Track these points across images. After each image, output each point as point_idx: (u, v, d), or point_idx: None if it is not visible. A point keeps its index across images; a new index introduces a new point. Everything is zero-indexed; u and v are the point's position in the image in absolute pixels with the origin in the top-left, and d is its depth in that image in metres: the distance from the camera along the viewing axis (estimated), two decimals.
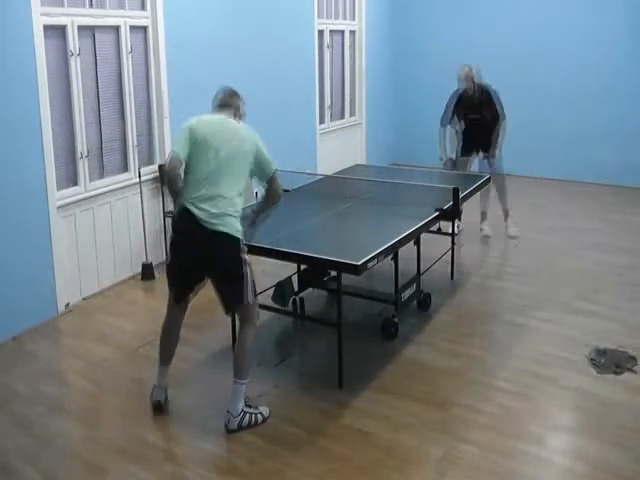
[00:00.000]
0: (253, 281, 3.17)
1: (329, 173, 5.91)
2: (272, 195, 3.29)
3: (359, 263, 3.25)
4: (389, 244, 3.59)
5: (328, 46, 7.84)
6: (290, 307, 4.32)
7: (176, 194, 3.13)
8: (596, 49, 7.90)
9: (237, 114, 3.31)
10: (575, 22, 7.99)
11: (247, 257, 3.14)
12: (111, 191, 5.01)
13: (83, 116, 4.74)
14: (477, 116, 5.83)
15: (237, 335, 3.29)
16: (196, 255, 3.08)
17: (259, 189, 6.08)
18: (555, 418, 3.30)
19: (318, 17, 7.46)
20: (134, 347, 4.05)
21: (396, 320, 4.12)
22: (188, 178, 3.10)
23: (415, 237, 4.08)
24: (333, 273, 4.30)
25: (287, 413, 3.32)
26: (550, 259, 5.53)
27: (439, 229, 4.85)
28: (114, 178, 5.07)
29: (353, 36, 8.42)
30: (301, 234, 3.92)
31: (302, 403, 3.42)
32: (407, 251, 4.17)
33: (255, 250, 3.63)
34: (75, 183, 4.78)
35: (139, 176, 5.12)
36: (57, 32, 4.52)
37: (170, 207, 4.86)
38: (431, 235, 4.79)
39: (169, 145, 5.30)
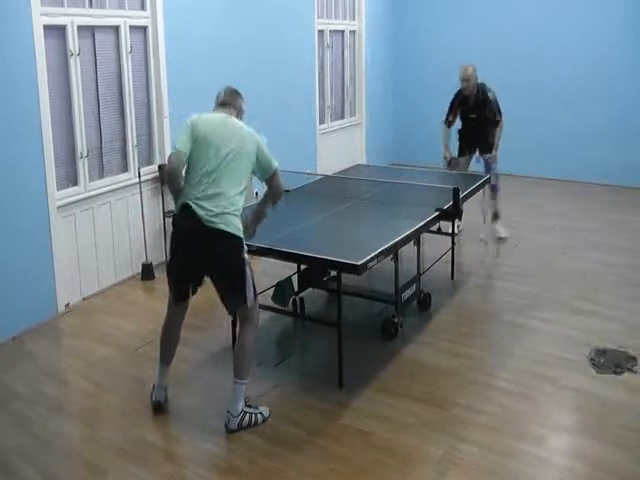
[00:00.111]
0: (254, 282, 3.16)
1: (329, 173, 5.91)
2: (273, 193, 3.28)
3: (359, 263, 3.25)
4: (389, 244, 3.59)
5: (328, 46, 7.84)
6: (290, 307, 4.32)
7: (177, 193, 3.13)
8: (596, 49, 7.90)
9: (239, 114, 3.31)
10: (575, 22, 7.99)
11: (248, 257, 3.14)
12: (111, 191, 5.01)
13: (83, 116, 4.74)
14: (475, 115, 5.83)
15: (237, 335, 3.29)
16: (196, 254, 3.08)
17: (259, 189, 6.09)
18: (555, 418, 3.30)
19: (318, 17, 7.46)
20: (134, 347, 4.05)
21: (396, 320, 4.12)
22: (189, 176, 3.10)
23: (415, 237, 4.08)
24: (333, 273, 4.30)
25: (287, 413, 3.32)
26: (550, 259, 5.53)
27: (439, 229, 4.86)
28: (114, 178, 5.07)
29: (353, 36, 8.43)
30: (301, 234, 3.92)
31: (302, 403, 3.42)
32: (407, 251, 4.17)
33: (255, 250, 3.64)
34: (75, 183, 4.78)
35: (139, 176, 5.12)
36: (57, 32, 4.52)
37: (170, 207, 4.87)
38: (431, 235, 4.80)
39: (169, 145, 5.30)
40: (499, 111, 5.80)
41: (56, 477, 2.92)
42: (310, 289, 4.58)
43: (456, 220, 5.11)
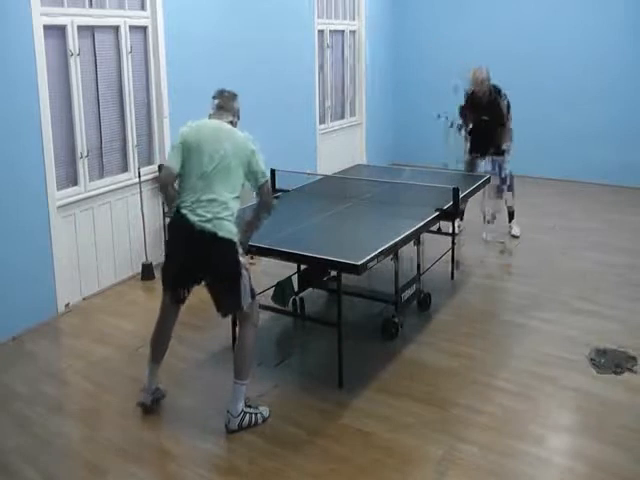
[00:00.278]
0: (251, 283, 3.15)
1: (329, 173, 5.91)
2: (262, 206, 3.24)
3: (359, 263, 3.25)
4: (389, 244, 3.59)
5: (328, 46, 7.84)
6: (290, 307, 4.32)
7: (170, 202, 3.16)
8: (596, 49, 7.90)
9: (234, 116, 3.29)
10: (575, 22, 7.99)
11: (243, 259, 3.12)
12: (111, 191, 5.01)
13: (83, 116, 4.74)
14: (487, 117, 5.83)
15: (237, 335, 3.28)
16: (190, 259, 3.08)
17: None
18: (555, 418, 3.30)
19: (318, 17, 7.46)
20: (134, 347, 4.04)
21: (396, 320, 4.12)
22: (183, 183, 3.11)
23: (415, 237, 4.08)
24: (333, 273, 4.30)
25: (287, 413, 3.32)
26: (550, 259, 5.53)
27: (439, 229, 4.85)
28: (114, 178, 5.07)
29: (353, 36, 8.43)
30: (301, 234, 3.91)
31: (302, 403, 3.42)
32: (407, 251, 4.17)
33: (255, 250, 3.64)
34: (75, 183, 4.78)
35: (139, 176, 5.12)
36: (57, 32, 4.52)
37: None
38: (431, 235, 4.79)
39: (169, 145, 5.29)
40: (508, 112, 5.81)
41: (56, 477, 2.92)
42: (310, 289, 4.58)
43: (457, 220, 5.11)
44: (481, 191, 5.44)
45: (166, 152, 5.19)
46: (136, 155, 5.22)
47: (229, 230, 3.05)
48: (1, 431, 3.22)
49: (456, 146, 6.07)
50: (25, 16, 4.15)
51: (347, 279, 3.61)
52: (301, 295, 4.46)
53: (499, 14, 8.50)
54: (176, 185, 3.15)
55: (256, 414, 3.21)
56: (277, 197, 4.77)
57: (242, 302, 3.09)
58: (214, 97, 3.29)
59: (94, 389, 3.63)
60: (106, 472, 2.91)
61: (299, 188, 4.96)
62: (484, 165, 5.98)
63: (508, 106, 5.80)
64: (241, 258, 3.10)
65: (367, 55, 8.59)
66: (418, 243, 4.30)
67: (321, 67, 7.71)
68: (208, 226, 3.00)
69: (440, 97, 8.33)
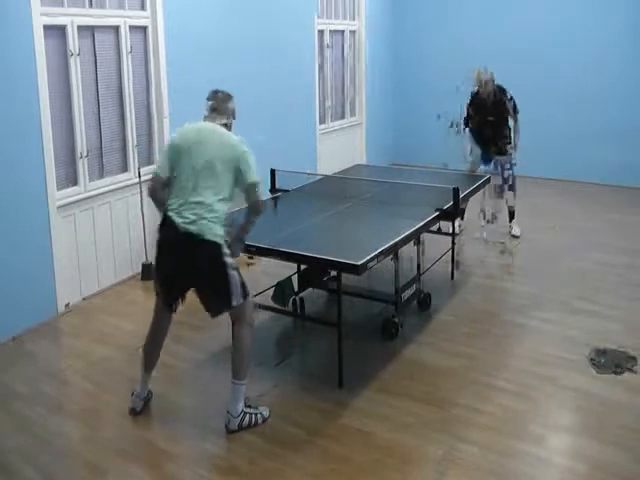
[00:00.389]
0: (242, 282, 3.12)
1: (329, 173, 5.91)
2: (250, 209, 3.18)
3: (359, 263, 3.25)
4: (389, 244, 3.59)
5: (328, 46, 7.84)
6: (290, 307, 4.32)
7: (160, 207, 3.17)
8: (596, 49, 7.90)
9: (229, 118, 3.26)
10: (575, 22, 7.99)
11: (232, 260, 3.09)
12: (111, 191, 5.01)
13: (83, 116, 4.74)
14: (493, 118, 5.83)
15: (233, 336, 3.23)
16: (177, 262, 3.07)
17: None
18: (555, 418, 3.30)
19: (318, 17, 7.46)
20: (134, 347, 4.04)
21: (396, 320, 4.12)
22: (172, 187, 3.12)
23: (415, 237, 4.08)
24: (333, 273, 4.30)
25: (287, 413, 3.32)
26: (550, 259, 5.53)
27: (439, 229, 4.86)
28: (114, 178, 5.07)
29: (353, 36, 8.43)
30: (301, 234, 3.91)
31: (302, 403, 3.42)
32: (407, 251, 4.17)
33: (255, 250, 3.64)
34: (75, 183, 4.78)
35: (139, 176, 5.12)
36: (57, 32, 4.52)
37: None
38: (431, 235, 4.79)
39: None
40: (515, 110, 5.83)
41: (56, 477, 2.92)
42: (310, 289, 4.58)
43: (458, 219, 5.11)
44: (481, 191, 5.44)
45: None
46: (136, 155, 5.22)
47: (214, 232, 3.02)
48: (1, 431, 3.23)
49: (456, 146, 6.07)
50: (25, 16, 4.15)
51: (347, 279, 3.61)
52: (301, 295, 4.46)
53: (499, 14, 8.50)
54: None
55: (256, 414, 3.21)
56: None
57: (232, 301, 3.08)
58: (208, 99, 3.27)
59: (94, 389, 3.63)
60: (106, 472, 2.91)
61: (299, 188, 4.96)
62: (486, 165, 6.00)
63: (515, 106, 5.81)
64: (228, 259, 3.06)
65: (367, 55, 8.60)
66: (418, 243, 4.30)
67: (321, 67, 7.71)
68: (192, 228, 2.99)
69: (440, 97, 8.36)
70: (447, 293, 4.84)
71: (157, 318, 3.30)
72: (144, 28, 5.22)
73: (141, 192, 5.15)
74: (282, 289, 4.07)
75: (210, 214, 3.02)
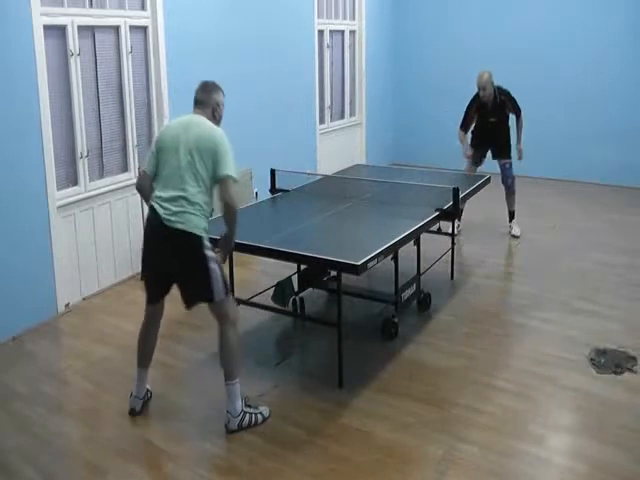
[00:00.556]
0: (224, 278, 3.11)
1: (329, 173, 5.91)
2: (223, 207, 3.06)
3: (359, 263, 3.25)
4: (389, 244, 3.59)
5: (328, 46, 7.84)
6: (290, 307, 4.32)
7: (147, 202, 3.19)
8: (596, 49, 7.91)
9: (215, 110, 3.23)
10: (575, 22, 7.99)
11: (212, 254, 3.08)
12: (111, 191, 5.01)
13: (83, 116, 4.74)
14: (494, 119, 5.85)
15: (218, 336, 3.19)
16: (159, 253, 3.09)
17: (259, 188, 6.10)
18: (555, 418, 3.30)
19: (318, 17, 7.46)
20: (134, 347, 4.03)
21: (396, 320, 4.12)
22: (157, 180, 3.14)
23: (415, 237, 4.08)
24: (333, 273, 4.31)
25: (287, 413, 3.32)
26: (550, 259, 5.53)
27: (439, 229, 4.86)
28: (114, 178, 5.07)
29: (353, 36, 8.43)
30: (301, 234, 3.91)
31: (302, 403, 3.42)
32: (407, 251, 4.17)
33: (255, 250, 3.64)
34: (75, 183, 4.78)
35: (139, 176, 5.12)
36: (57, 32, 4.52)
37: None
38: (431, 235, 4.80)
39: None
40: (517, 106, 5.85)
41: (56, 477, 2.92)
42: (310, 289, 4.58)
43: (456, 220, 5.12)
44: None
45: None
46: (136, 155, 5.22)
47: (194, 224, 3.02)
48: (1, 431, 3.23)
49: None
50: (25, 16, 4.15)
51: (347, 279, 3.61)
52: (301, 295, 4.46)
53: (499, 14, 8.50)
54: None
55: (256, 414, 3.21)
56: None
57: (215, 296, 3.08)
58: (195, 91, 3.26)
59: (94, 389, 3.63)
60: (106, 472, 2.91)
61: (299, 188, 4.96)
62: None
63: (517, 106, 5.82)
64: (208, 252, 3.05)
65: (367, 55, 8.59)
66: (418, 243, 4.30)
67: (321, 67, 7.71)
68: (173, 219, 3.00)
69: (440, 97, 8.36)
70: (447, 293, 4.84)
71: (147, 313, 3.31)
72: (144, 28, 5.22)
73: None
74: (282, 289, 4.07)
75: (191, 206, 3.02)
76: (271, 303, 4.06)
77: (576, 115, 8.12)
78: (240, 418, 3.14)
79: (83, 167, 4.79)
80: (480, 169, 6.05)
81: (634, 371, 3.66)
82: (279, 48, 6.75)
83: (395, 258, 4.03)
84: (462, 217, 6.00)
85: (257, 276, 5.10)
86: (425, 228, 4.12)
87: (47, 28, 4.37)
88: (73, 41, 4.59)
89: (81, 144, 4.75)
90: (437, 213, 4.19)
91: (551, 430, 3.20)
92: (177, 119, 3.26)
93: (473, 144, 6.01)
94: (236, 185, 3.10)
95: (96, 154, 4.94)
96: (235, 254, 3.80)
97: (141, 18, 5.17)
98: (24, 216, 4.28)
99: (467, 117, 5.92)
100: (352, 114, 8.62)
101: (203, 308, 3.84)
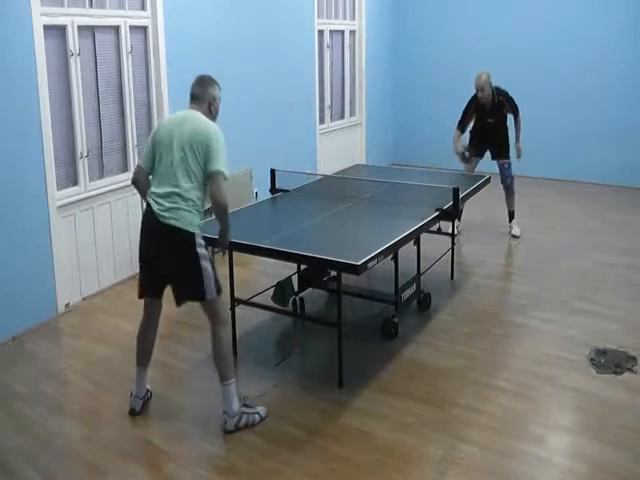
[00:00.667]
0: (216, 277, 3.10)
1: (329, 173, 5.91)
2: (212, 205, 3.07)
3: (359, 263, 3.25)
4: (389, 244, 3.59)
5: (328, 46, 7.84)
6: (290, 307, 4.32)
7: (143, 198, 3.21)
8: (596, 49, 7.91)
9: (211, 104, 3.20)
10: (575, 22, 7.99)
11: (205, 252, 3.07)
12: (111, 191, 5.01)
13: (83, 116, 4.74)
14: (492, 120, 5.85)
15: (211, 337, 3.19)
16: (153, 249, 3.09)
17: (259, 188, 6.10)
18: (555, 418, 3.30)
19: (318, 17, 7.46)
20: (134, 347, 4.03)
21: (396, 320, 4.12)
22: (153, 176, 3.15)
23: (415, 237, 4.08)
24: (333, 273, 4.31)
25: (287, 413, 3.32)
26: (550, 259, 5.53)
27: (439, 229, 4.86)
28: (114, 178, 5.07)
29: (353, 36, 8.43)
30: (301, 234, 3.91)
31: (302, 403, 3.42)
32: (407, 251, 4.17)
33: (255, 250, 3.64)
34: (75, 183, 4.78)
35: None
36: (57, 32, 4.52)
37: None
38: (431, 235, 4.79)
39: None
40: (515, 106, 5.85)
41: (56, 477, 2.92)
42: (310, 289, 4.58)
43: (455, 220, 5.12)
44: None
45: None
46: (136, 155, 5.22)
47: (188, 221, 3.02)
48: (1, 431, 3.23)
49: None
50: (25, 16, 4.15)
51: (347, 279, 3.61)
52: (301, 295, 4.46)
53: (499, 14, 8.50)
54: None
55: (253, 414, 3.21)
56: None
57: (206, 295, 3.07)
58: (191, 86, 3.23)
59: (94, 389, 3.63)
60: (106, 472, 2.91)
61: (299, 188, 4.96)
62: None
63: (515, 106, 5.82)
64: (201, 250, 3.04)
65: (367, 55, 8.59)
66: (418, 243, 4.30)
67: (321, 67, 7.71)
68: (166, 215, 3.00)
69: (440, 97, 8.36)
70: (447, 293, 4.84)
71: (145, 311, 3.31)
72: (144, 28, 5.22)
73: None
74: (282, 289, 4.07)
75: (184, 202, 3.01)
76: (271, 303, 4.06)
77: (576, 115, 8.12)
78: (237, 418, 3.14)
79: (83, 167, 4.79)
80: (480, 169, 6.04)
81: (634, 371, 3.66)
82: (279, 48, 6.75)
83: (395, 258, 4.03)
84: (462, 217, 6.01)
85: (257, 276, 5.10)
86: (425, 228, 4.12)
87: (47, 28, 4.37)
88: (73, 41, 4.59)
89: (81, 144, 4.75)
90: (437, 213, 4.19)
91: (551, 430, 3.20)
92: (173, 114, 3.27)
93: (472, 144, 6.01)
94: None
95: (96, 154, 4.94)
96: (235, 254, 3.80)
97: (141, 18, 5.17)
98: (24, 216, 4.28)
99: (465, 117, 5.92)
100: (352, 114, 8.62)
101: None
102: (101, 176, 5.00)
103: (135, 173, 3.28)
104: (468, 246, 5.92)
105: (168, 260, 3.07)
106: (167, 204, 3.01)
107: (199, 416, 3.31)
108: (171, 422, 3.29)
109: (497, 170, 5.98)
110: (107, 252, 5.03)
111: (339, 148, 8.11)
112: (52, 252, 4.48)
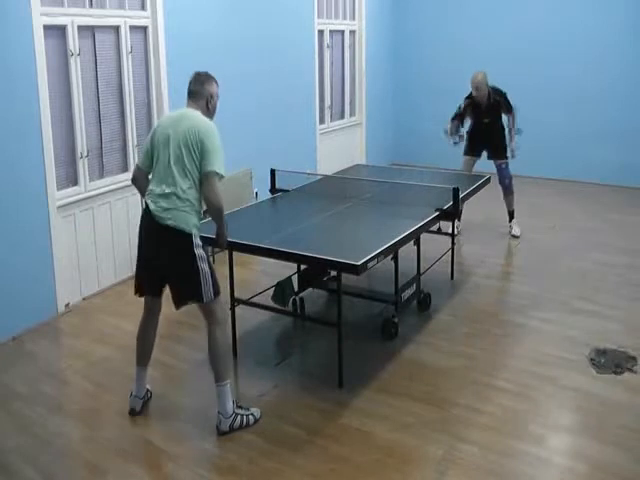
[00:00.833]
0: (214, 278, 3.09)
1: (329, 173, 5.91)
2: (206, 206, 3.04)
3: (359, 263, 3.25)
4: (389, 244, 3.59)
5: (328, 46, 7.84)
6: (290, 307, 4.32)
7: (143, 197, 3.20)
8: (596, 49, 7.91)
9: (209, 101, 3.17)
10: (575, 22, 7.99)
11: (203, 252, 3.06)
12: (111, 191, 5.01)
13: (83, 116, 4.74)
14: (488, 120, 5.85)
15: (208, 337, 3.18)
16: (151, 249, 3.09)
17: (259, 188, 6.10)
18: (555, 418, 3.30)
19: (318, 17, 7.46)
20: (134, 347, 4.03)
21: (396, 320, 4.12)
22: (152, 175, 3.15)
23: (415, 237, 4.08)
24: (333, 273, 4.30)
25: (287, 413, 3.32)
26: (550, 259, 5.53)
27: (439, 229, 4.86)
28: (114, 178, 5.07)
29: (353, 36, 8.43)
30: (301, 234, 3.91)
31: (302, 403, 3.42)
32: (407, 251, 4.17)
33: (255, 250, 3.64)
34: (75, 183, 4.78)
35: None
36: (57, 32, 4.52)
37: None
38: (431, 235, 4.79)
39: None
40: (511, 106, 5.84)
41: (56, 477, 2.92)
42: (310, 289, 4.58)
43: (455, 220, 5.12)
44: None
45: None
46: (136, 155, 5.22)
47: (185, 221, 3.00)
48: (1, 431, 3.23)
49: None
50: (25, 16, 4.15)
51: (347, 279, 3.61)
52: (301, 295, 4.46)
53: (499, 14, 8.51)
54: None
55: (247, 415, 3.20)
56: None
57: (203, 296, 3.05)
58: (189, 83, 3.20)
59: (94, 389, 3.63)
60: (106, 472, 2.91)
61: (299, 188, 4.96)
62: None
63: (510, 105, 5.81)
64: (198, 251, 3.03)
65: (367, 55, 8.59)
66: (418, 243, 4.30)
67: (321, 67, 7.71)
68: (163, 215, 3.00)
69: (440, 97, 8.35)
70: (447, 293, 4.84)
71: (145, 310, 3.31)
72: (144, 28, 5.22)
73: None
74: (282, 289, 4.07)
75: (181, 202, 3.00)
76: (271, 303, 4.06)
77: (576, 115, 8.12)
78: (232, 419, 3.14)
79: (83, 167, 4.79)
80: (480, 169, 6.04)
81: (634, 371, 3.66)
82: (279, 48, 6.75)
83: (395, 258, 4.03)
84: (462, 217, 6.01)
85: (257, 276, 5.10)
86: (425, 228, 4.12)
87: (47, 28, 4.37)
88: (73, 41, 4.59)
89: (81, 144, 4.75)
90: (437, 213, 4.19)
91: (551, 430, 3.20)
92: (171, 113, 3.26)
93: (467, 148, 6.02)
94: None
95: (96, 154, 4.94)
96: (235, 254, 3.80)
97: (141, 18, 5.17)
98: (24, 216, 4.28)
99: (460, 111, 5.89)
100: (352, 114, 8.62)
101: None
102: (101, 176, 5.00)
103: (134, 172, 3.29)
104: (468, 246, 5.92)
105: (165, 261, 3.07)
106: (164, 204, 3.00)
107: (199, 416, 3.31)
108: (171, 422, 3.29)
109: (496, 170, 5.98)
110: (107, 252, 5.03)
111: (339, 148, 8.11)
112: (52, 252, 4.48)
